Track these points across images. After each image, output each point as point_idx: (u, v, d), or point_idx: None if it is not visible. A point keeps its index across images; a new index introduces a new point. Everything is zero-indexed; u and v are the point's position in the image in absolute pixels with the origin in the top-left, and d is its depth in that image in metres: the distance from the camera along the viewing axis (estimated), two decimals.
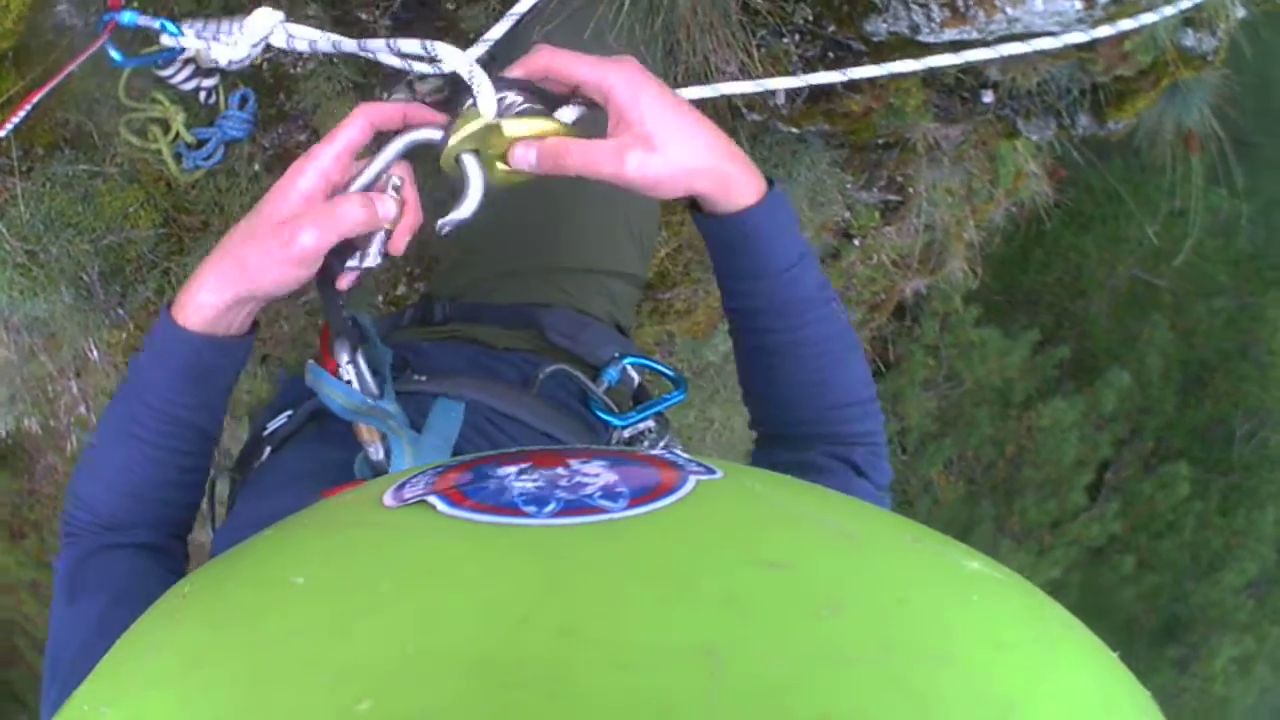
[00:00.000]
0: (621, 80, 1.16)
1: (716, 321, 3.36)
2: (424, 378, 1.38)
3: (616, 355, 1.63)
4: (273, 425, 1.44)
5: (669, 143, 1.17)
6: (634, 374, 1.65)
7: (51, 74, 1.76)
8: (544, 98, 1.22)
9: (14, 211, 1.99)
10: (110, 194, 2.10)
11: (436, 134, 1.18)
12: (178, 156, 2.10)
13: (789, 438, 1.41)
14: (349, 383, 1.24)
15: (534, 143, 1.19)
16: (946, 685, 0.48)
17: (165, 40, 1.76)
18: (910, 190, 3.07)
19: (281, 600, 0.58)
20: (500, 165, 1.20)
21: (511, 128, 1.18)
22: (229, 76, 2.08)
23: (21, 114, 1.76)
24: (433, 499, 0.65)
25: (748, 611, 0.51)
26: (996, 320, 5.98)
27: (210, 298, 1.17)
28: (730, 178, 1.22)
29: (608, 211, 1.79)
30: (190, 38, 1.71)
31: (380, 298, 2.64)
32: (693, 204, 1.30)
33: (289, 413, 1.43)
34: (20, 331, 2.22)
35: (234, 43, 1.71)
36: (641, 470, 0.70)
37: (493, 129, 1.17)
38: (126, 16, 1.66)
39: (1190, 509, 6.46)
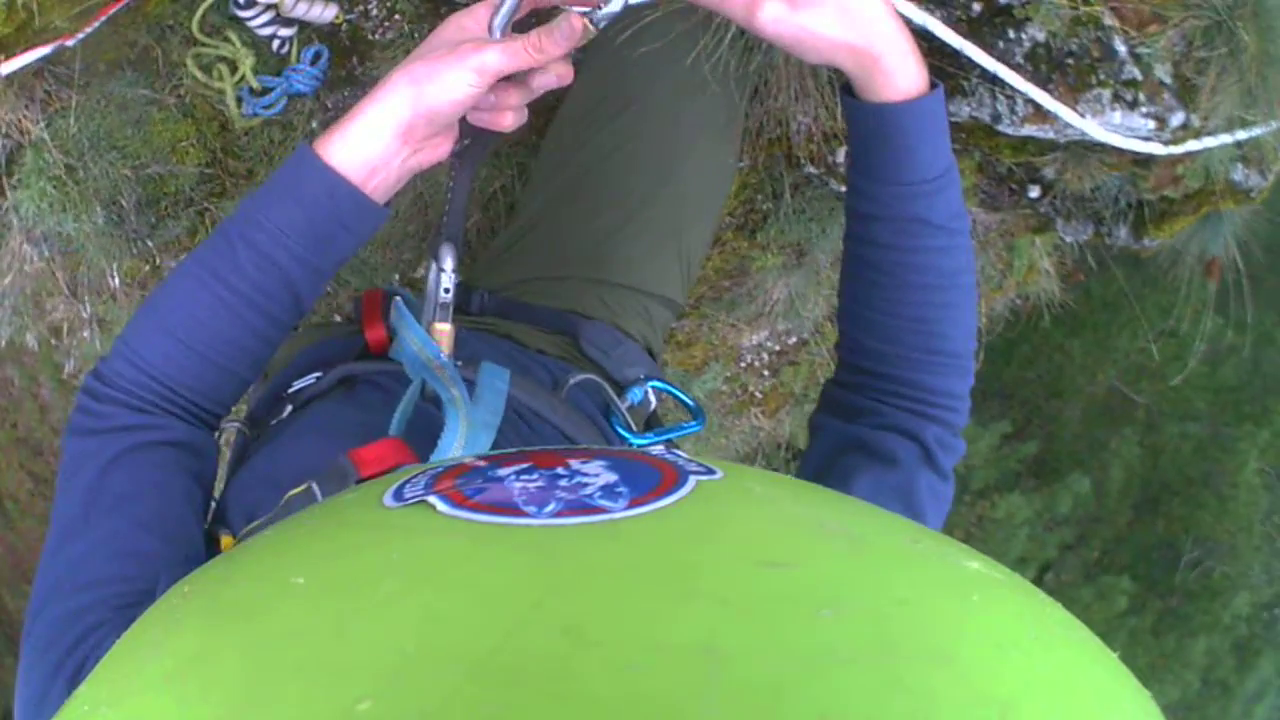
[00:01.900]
0: None
1: (710, 359, 3.38)
2: (460, 362, 1.33)
3: (643, 376, 1.63)
4: (299, 384, 1.41)
5: (818, 4, 1.09)
6: (653, 398, 1.64)
7: None
8: None
9: (62, 124, 1.97)
10: (163, 124, 2.08)
11: None
12: (239, 100, 2.08)
13: (867, 373, 1.33)
14: (447, 290, 1.24)
15: None
16: (946, 685, 0.48)
17: None
18: None
19: (282, 600, 0.58)
20: None
21: None
22: (306, 30, 2.07)
23: (97, 23, 1.75)
24: (433, 499, 0.65)
25: (747, 611, 0.51)
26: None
27: (366, 132, 1.12)
28: (880, 62, 1.13)
29: (665, 234, 1.78)
30: None
31: (397, 277, 2.63)
32: (845, 84, 1.21)
33: (318, 374, 1.40)
34: (41, 244, 2.19)
35: None
36: (642, 470, 0.70)
37: None
38: None
39: (1124, 624, 6.51)
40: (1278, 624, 7.28)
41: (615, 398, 1.52)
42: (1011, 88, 1.90)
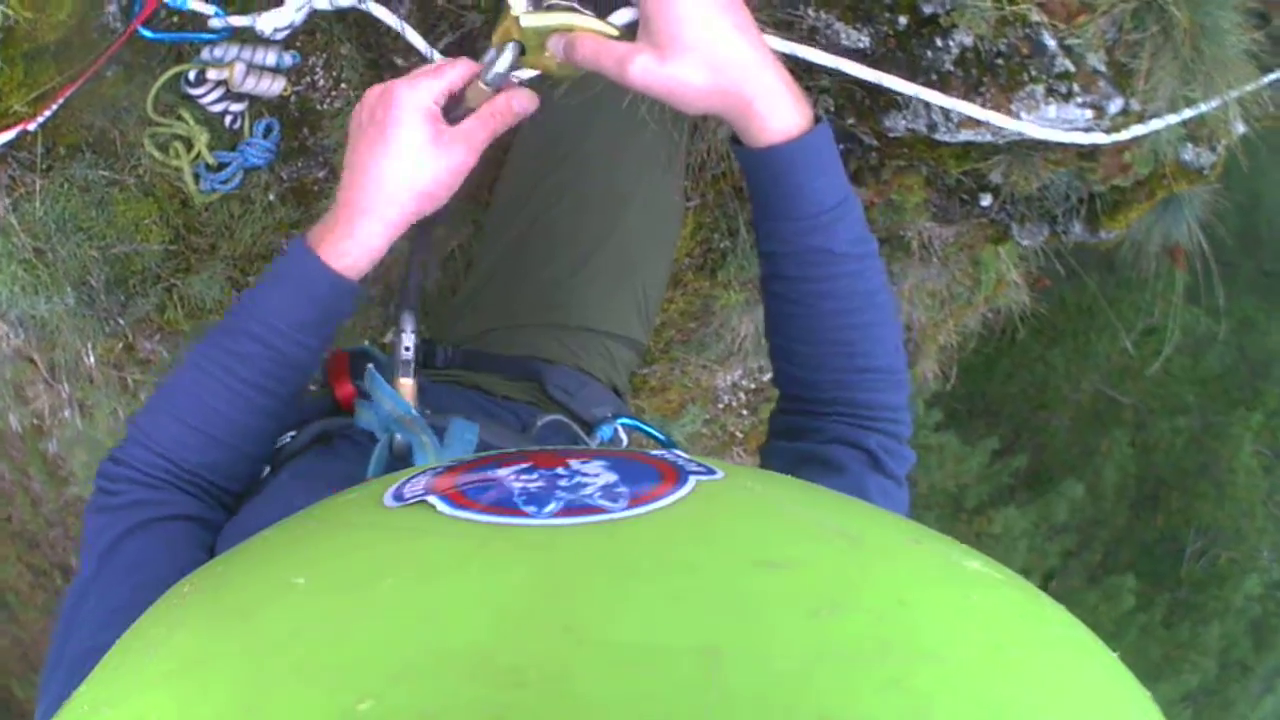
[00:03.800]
0: None
1: (687, 401, 3.40)
2: (428, 411, 1.37)
3: (610, 415, 1.65)
4: (278, 442, 1.44)
5: (684, 55, 1.12)
6: (624, 435, 1.67)
7: (84, 73, 1.80)
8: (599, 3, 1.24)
9: (28, 207, 1.99)
10: (125, 204, 2.11)
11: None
12: (196, 176, 2.12)
13: (805, 400, 1.36)
14: (408, 349, 1.34)
15: (563, 35, 1.20)
16: (946, 685, 0.49)
17: (213, 23, 1.85)
18: (894, 287, 3.10)
19: (282, 600, 0.58)
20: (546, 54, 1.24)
21: (529, 20, 1.21)
22: (257, 103, 2.11)
23: (55, 106, 1.79)
24: (433, 499, 0.66)
25: (747, 612, 0.52)
26: (956, 426, 6.00)
27: (369, 240, 1.21)
28: (753, 106, 1.15)
29: (619, 274, 1.82)
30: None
31: (366, 341, 2.64)
32: (732, 133, 1.23)
33: (293, 433, 1.43)
34: (16, 328, 2.22)
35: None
36: (642, 470, 0.70)
37: (516, 20, 1.22)
38: None
39: (1134, 621, 6.45)
40: None
41: (584, 436, 1.55)
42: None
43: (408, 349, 1.37)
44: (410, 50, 2.06)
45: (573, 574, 0.56)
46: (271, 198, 2.23)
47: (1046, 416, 6.82)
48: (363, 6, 1.83)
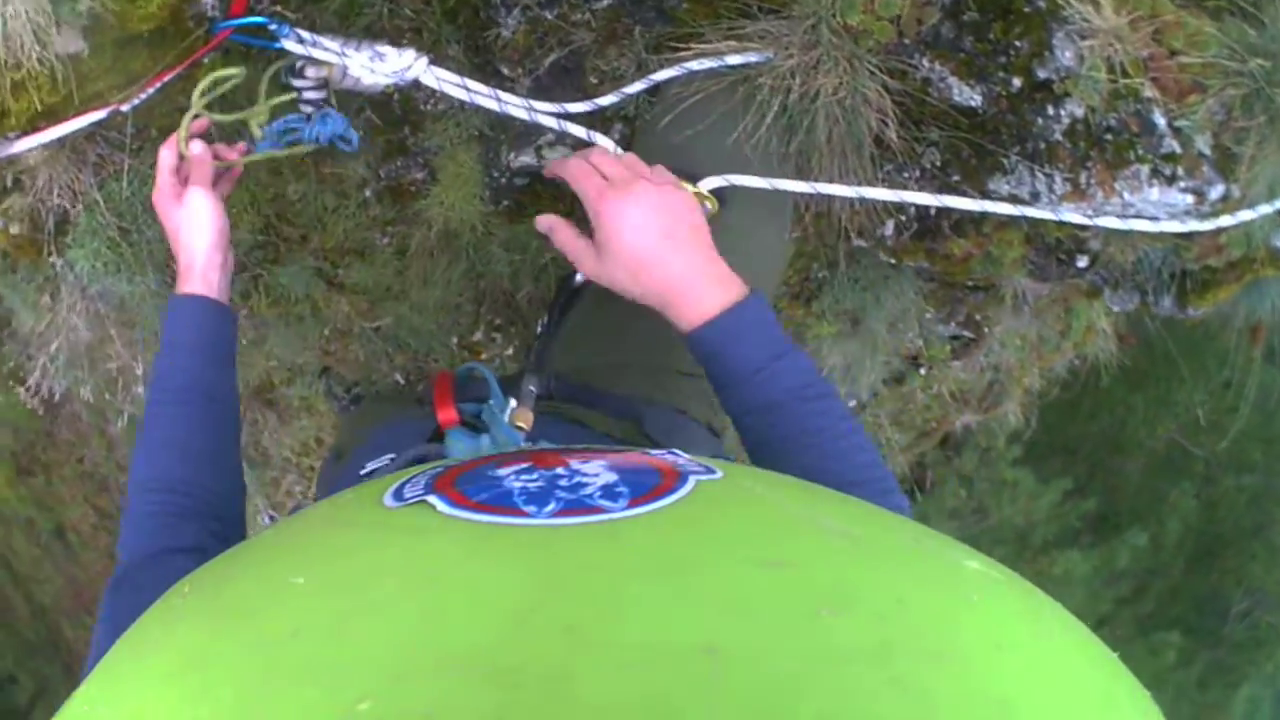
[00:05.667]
0: (603, 207, 1.40)
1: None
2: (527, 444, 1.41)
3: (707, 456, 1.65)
4: (372, 465, 1.48)
5: (611, 259, 1.39)
6: None
7: (183, 61, 1.79)
8: None
9: (115, 186, 2.00)
10: None
11: None
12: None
13: None
14: (534, 389, 1.57)
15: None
16: (946, 685, 0.49)
17: (289, 46, 1.83)
18: (985, 330, 3.08)
19: (282, 600, 0.58)
20: None
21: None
22: (358, 99, 2.08)
23: (150, 90, 1.79)
24: (433, 499, 0.66)
25: (748, 611, 0.52)
26: (1033, 463, 5.97)
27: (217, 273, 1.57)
28: (670, 302, 1.38)
29: None
30: (291, 43, 1.81)
31: (455, 340, 2.65)
32: None
33: (391, 456, 1.46)
34: (96, 302, 2.22)
35: (372, 69, 1.86)
36: (641, 470, 0.71)
37: None
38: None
39: (1171, 679, 6.42)
40: None
41: None
42: (1049, 166, 1.91)
43: (533, 389, 1.56)
44: (516, 62, 2.04)
45: (573, 574, 0.56)
46: (368, 194, 2.22)
47: (1121, 461, 6.77)
48: (470, 100, 1.90)
